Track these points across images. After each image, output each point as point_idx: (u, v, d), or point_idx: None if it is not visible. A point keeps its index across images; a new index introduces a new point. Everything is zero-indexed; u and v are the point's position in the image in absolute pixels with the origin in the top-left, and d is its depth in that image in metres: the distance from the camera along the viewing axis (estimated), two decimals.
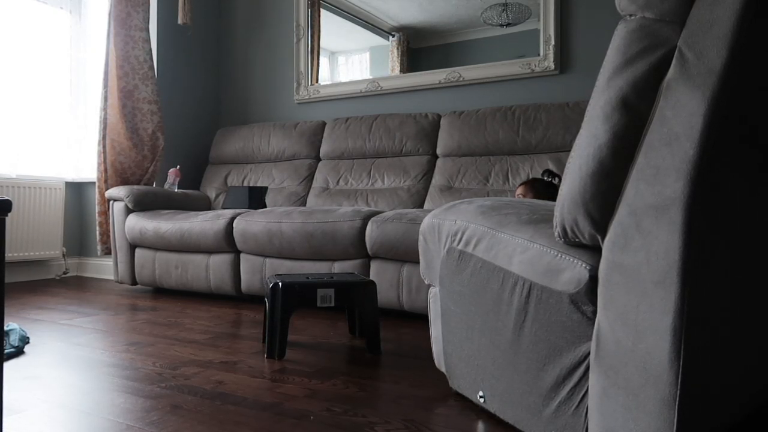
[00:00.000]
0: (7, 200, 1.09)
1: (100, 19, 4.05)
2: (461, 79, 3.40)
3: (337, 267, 2.75)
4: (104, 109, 3.64)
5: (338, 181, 3.54)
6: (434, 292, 1.60)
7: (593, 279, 1.03)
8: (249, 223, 2.94)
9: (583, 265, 1.05)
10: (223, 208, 3.46)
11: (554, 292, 1.10)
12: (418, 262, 2.51)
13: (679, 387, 0.90)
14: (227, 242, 3.02)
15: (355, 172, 3.51)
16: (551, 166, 2.91)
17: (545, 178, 2.59)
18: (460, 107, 3.42)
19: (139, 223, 3.28)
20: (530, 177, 2.89)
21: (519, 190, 2.56)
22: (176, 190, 3.67)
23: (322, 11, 3.92)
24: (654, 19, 0.95)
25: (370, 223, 2.64)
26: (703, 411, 0.96)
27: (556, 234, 1.10)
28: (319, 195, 3.54)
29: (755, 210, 1.04)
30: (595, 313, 1.04)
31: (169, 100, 3.98)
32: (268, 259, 2.95)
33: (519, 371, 1.20)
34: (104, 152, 3.65)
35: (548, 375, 1.13)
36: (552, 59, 3.14)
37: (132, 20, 3.68)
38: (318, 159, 3.74)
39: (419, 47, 3.60)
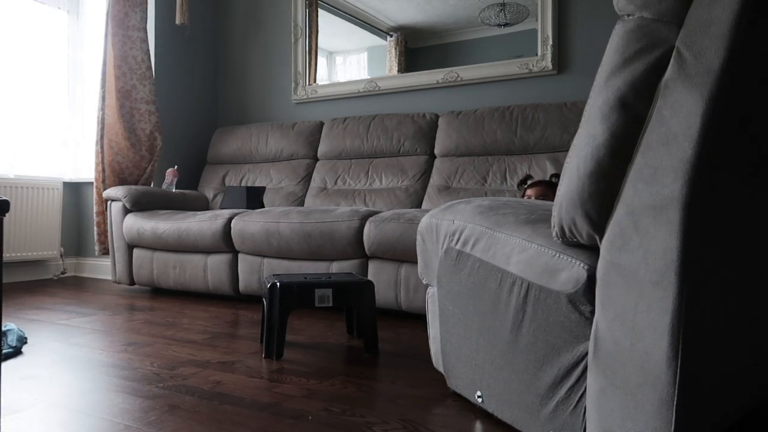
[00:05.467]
0: (5, 200, 1.09)
1: (98, 19, 4.04)
2: (459, 79, 3.40)
3: (335, 267, 2.75)
4: (102, 109, 3.64)
5: (336, 181, 3.54)
6: (432, 292, 1.60)
7: (591, 279, 1.03)
8: (247, 223, 2.94)
9: (581, 265, 1.05)
10: (221, 208, 3.45)
11: (552, 291, 1.10)
12: (416, 262, 2.51)
13: (677, 387, 0.90)
14: (225, 242, 3.02)
15: (353, 172, 3.51)
16: (549, 167, 2.91)
17: (554, 180, 2.57)
18: (458, 107, 3.42)
19: (136, 223, 3.28)
20: (545, 176, 2.82)
21: (537, 191, 2.50)
22: (174, 190, 3.67)
23: (320, 11, 3.92)
24: (652, 19, 0.96)
25: (368, 223, 2.64)
26: (701, 411, 0.97)
27: (554, 234, 1.10)
28: (317, 195, 3.53)
29: (753, 210, 1.05)
30: (593, 313, 1.04)
31: (167, 100, 3.97)
32: (266, 259, 2.94)
33: (517, 371, 1.20)
34: (102, 152, 3.64)
35: (546, 375, 1.13)
36: (550, 59, 3.14)
37: (130, 20, 3.67)
38: (316, 159, 3.74)
39: (417, 47, 3.60)
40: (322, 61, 3.96)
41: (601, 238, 1.01)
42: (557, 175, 2.62)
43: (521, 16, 3.25)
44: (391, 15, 3.65)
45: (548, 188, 2.50)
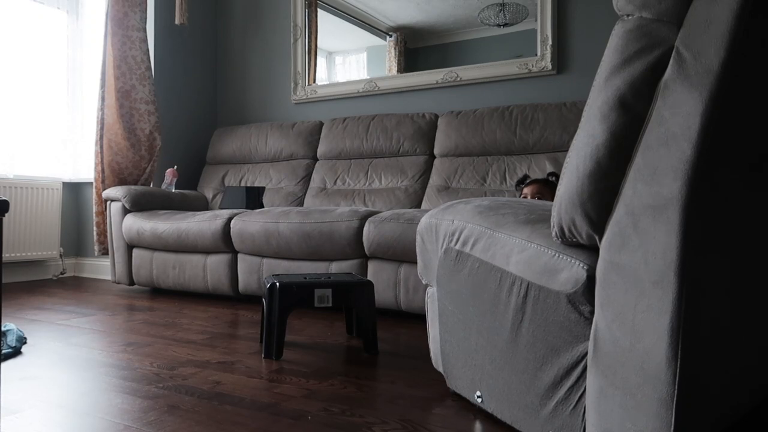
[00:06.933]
0: (5, 200, 1.09)
1: (98, 19, 4.04)
2: (458, 79, 3.40)
3: (335, 267, 2.75)
4: (101, 109, 3.64)
5: (336, 181, 3.54)
6: (432, 292, 1.60)
7: (591, 279, 1.03)
8: (246, 224, 2.94)
9: (581, 265, 1.05)
10: (221, 208, 3.45)
11: (552, 292, 1.10)
12: (415, 262, 2.51)
13: (676, 387, 0.90)
14: (224, 242, 3.02)
15: (353, 172, 3.51)
16: (549, 166, 2.91)
17: (551, 179, 2.57)
18: (457, 107, 3.42)
19: (136, 224, 3.27)
20: (543, 176, 2.82)
21: (533, 189, 2.50)
22: (173, 191, 3.67)
23: (320, 11, 3.92)
24: (651, 19, 0.96)
25: (367, 224, 2.64)
26: (701, 411, 0.97)
27: (553, 234, 1.10)
28: (317, 195, 3.53)
29: (753, 210, 1.05)
30: (592, 313, 1.04)
31: (167, 100, 3.97)
32: (265, 259, 2.94)
33: (517, 371, 1.20)
34: (101, 152, 3.64)
35: (546, 375, 1.13)
36: (549, 59, 3.14)
37: (129, 20, 3.67)
38: (315, 159, 3.74)
39: (416, 47, 3.60)
40: (321, 61, 3.96)
41: (600, 238, 1.01)
42: (554, 174, 2.62)
43: (520, 16, 3.25)
44: (391, 15, 3.65)
45: (544, 186, 2.50)
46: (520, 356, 1.19)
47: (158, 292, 3.37)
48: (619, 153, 0.97)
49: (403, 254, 2.53)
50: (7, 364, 1.81)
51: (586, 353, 1.05)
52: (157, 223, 3.20)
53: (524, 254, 1.17)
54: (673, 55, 0.93)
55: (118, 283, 3.43)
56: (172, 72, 4.01)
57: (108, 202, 3.47)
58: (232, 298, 3.15)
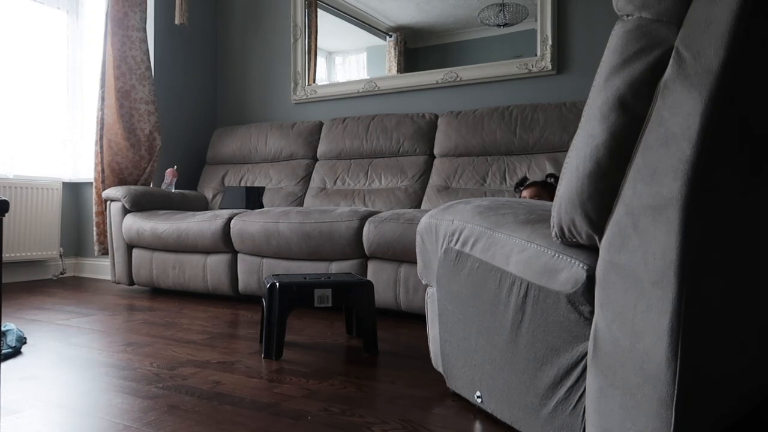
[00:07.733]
0: (5, 200, 1.09)
1: (98, 19, 4.04)
2: (458, 79, 3.40)
3: (335, 267, 2.75)
4: (101, 109, 3.64)
5: (335, 182, 3.54)
6: (431, 293, 1.60)
7: (590, 279, 1.03)
8: (246, 224, 2.94)
9: (581, 265, 1.05)
10: (221, 208, 3.45)
11: (551, 292, 1.10)
12: (415, 263, 2.51)
13: (676, 387, 0.90)
14: (224, 242, 3.02)
15: (353, 172, 3.51)
16: (549, 167, 2.91)
17: (550, 180, 2.57)
18: (457, 107, 3.42)
19: (136, 224, 3.27)
20: (540, 178, 2.82)
21: (531, 192, 2.50)
22: (173, 191, 3.67)
23: (319, 11, 3.92)
24: (651, 19, 0.96)
25: (367, 224, 2.64)
26: (701, 410, 0.97)
27: (553, 234, 1.10)
28: (317, 195, 3.53)
29: (753, 210, 1.05)
30: (592, 313, 1.04)
31: (166, 100, 3.97)
32: (265, 259, 2.94)
33: (516, 371, 1.20)
34: (101, 152, 3.64)
35: (546, 375, 1.13)
36: (549, 59, 3.14)
37: (129, 20, 3.67)
38: (315, 159, 3.74)
39: (416, 47, 3.60)
40: (321, 61, 3.96)
41: (600, 239, 1.01)
42: (553, 175, 2.62)
43: (520, 16, 3.25)
44: (391, 15, 3.65)
45: (543, 189, 2.50)
46: (520, 356, 1.19)
47: (158, 292, 3.37)
48: (619, 153, 0.97)
49: (403, 254, 2.53)
50: (7, 364, 1.81)
51: (586, 353, 1.05)
52: (157, 223, 3.20)
53: (524, 254, 1.17)
54: (672, 55, 0.93)
55: (118, 283, 3.43)
56: (172, 72, 4.01)
57: (108, 202, 3.47)
58: (232, 298, 3.15)
